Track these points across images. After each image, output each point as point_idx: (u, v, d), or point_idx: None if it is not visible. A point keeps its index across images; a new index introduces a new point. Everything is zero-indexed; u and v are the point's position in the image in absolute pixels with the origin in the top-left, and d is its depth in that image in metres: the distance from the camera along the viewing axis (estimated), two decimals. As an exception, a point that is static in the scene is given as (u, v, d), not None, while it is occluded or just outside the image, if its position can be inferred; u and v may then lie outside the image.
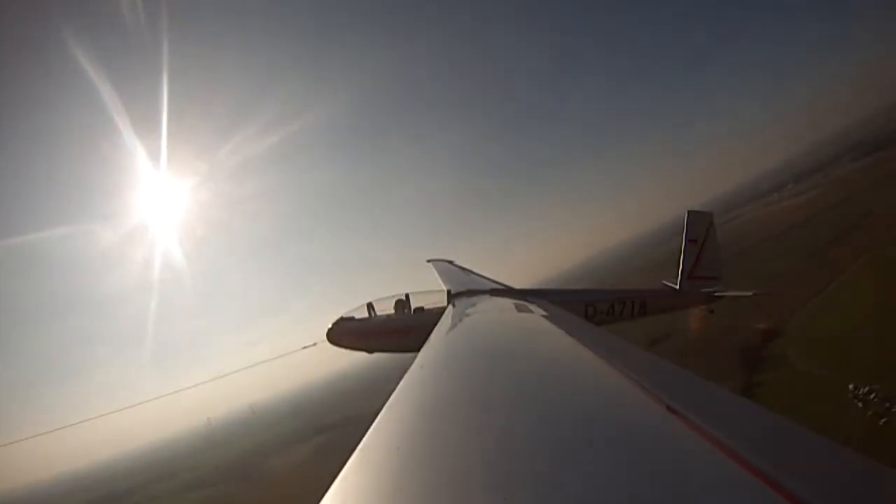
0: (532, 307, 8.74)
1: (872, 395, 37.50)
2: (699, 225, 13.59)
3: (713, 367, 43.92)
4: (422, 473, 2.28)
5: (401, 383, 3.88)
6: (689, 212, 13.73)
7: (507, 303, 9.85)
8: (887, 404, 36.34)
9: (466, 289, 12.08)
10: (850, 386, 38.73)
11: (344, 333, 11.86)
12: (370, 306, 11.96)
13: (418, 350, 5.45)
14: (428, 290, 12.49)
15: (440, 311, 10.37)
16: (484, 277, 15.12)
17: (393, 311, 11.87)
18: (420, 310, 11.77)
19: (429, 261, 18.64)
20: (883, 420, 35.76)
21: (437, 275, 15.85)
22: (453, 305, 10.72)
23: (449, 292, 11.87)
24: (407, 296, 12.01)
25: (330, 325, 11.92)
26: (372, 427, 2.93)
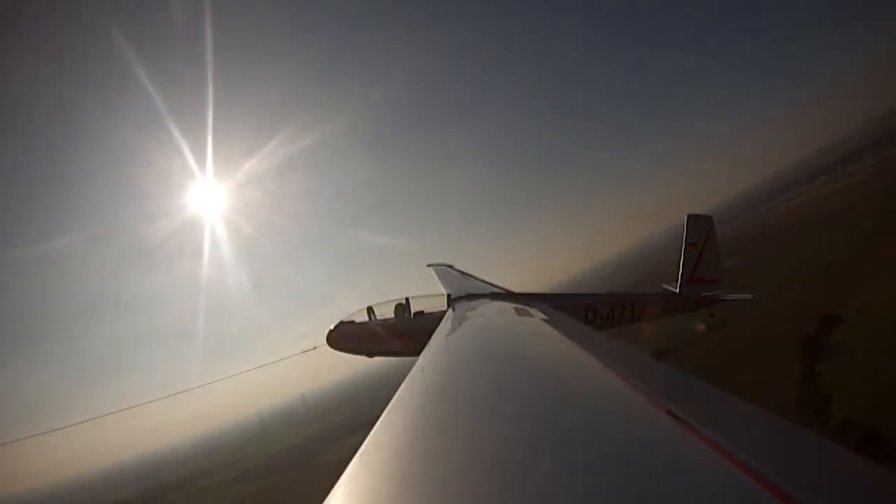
0: (532, 311, 8.74)
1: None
2: (699, 228, 13.59)
3: (770, 354, 42.46)
4: (423, 476, 2.28)
5: (401, 387, 3.88)
6: (688, 215, 13.73)
7: (507, 307, 9.85)
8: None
9: (466, 293, 12.07)
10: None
11: (344, 337, 11.85)
12: (370, 310, 11.95)
13: (418, 354, 5.45)
14: (428, 294, 12.49)
15: (440, 315, 10.36)
16: (484, 282, 15.12)
17: (393, 315, 11.85)
18: (420, 314, 11.75)
19: (429, 265, 18.64)
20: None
21: (437, 279, 15.85)
22: (453, 309, 10.71)
23: (449, 296, 11.87)
24: (407, 300, 12.01)
25: (330, 329, 11.91)
26: (373, 430, 2.93)
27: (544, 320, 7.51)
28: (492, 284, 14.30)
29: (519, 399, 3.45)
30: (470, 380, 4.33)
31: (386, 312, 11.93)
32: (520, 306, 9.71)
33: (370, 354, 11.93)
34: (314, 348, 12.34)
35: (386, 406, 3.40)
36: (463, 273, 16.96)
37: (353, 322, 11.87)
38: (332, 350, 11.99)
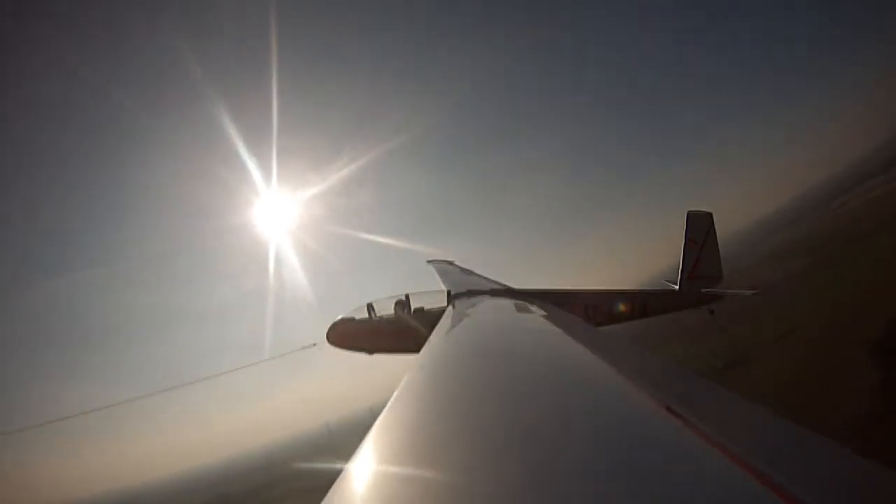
0: (532, 308, 8.75)
1: None
2: (699, 225, 13.58)
3: (842, 358, 40.50)
4: (423, 474, 2.28)
5: (401, 384, 3.88)
6: (689, 212, 13.72)
7: (507, 303, 9.85)
8: None
9: (466, 289, 12.07)
10: None
11: (344, 334, 11.87)
12: (370, 307, 11.95)
13: (418, 351, 5.45)
14: (428, 290, 12.49)
15: (440, 312, 10.36)
16: (484, 278, 15.12)
17: (393, 312, 11.86)
18: (420, 311, 11.75)
19: (429, 261, 18.64)
20: None
21: (436, 275, 15.85)
22: (453, 306, 10.72)
23: (449, 293, 11.87)
24: (407, 297, 12.00)
25: (330, 326, 11.92)
26: (373, 428, 2.93)
27: (544, 317, 7.51)
28: (492, 281, 14.29)
29: (519, 396, 3.45)
30: (470, 377, 4.33)
31: (386, 309, 11.93)
32: (520, 303, 9.71)
33: (370, 351, 11.95)
34: (314, 345, 12.36)
35: (386, 404, 3.40)
36: (463, 269, 16.95)
37: (353, 319, 11.88)
38: (332, 347, 12.02)
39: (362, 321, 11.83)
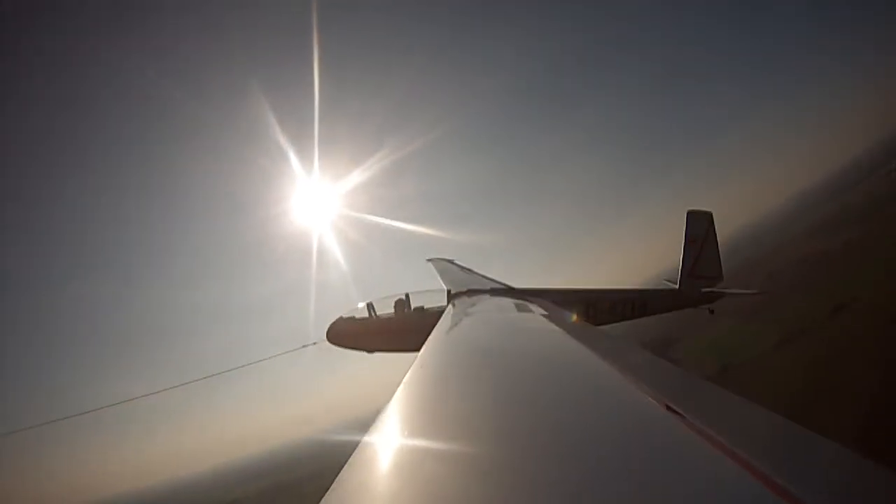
0: (532, 307, 8.75)
1: None
2: (699, 224, 13.57)
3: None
4: (422, 473, 2.28)
5: (401, 383, 3.88)
6: (689, 211, 13.71)
7: (508, 302, 9.86)
8: None
9: (466, 288, 12.08)
10: None
11: (344, 333, 11.88)
12: (370, 306, 11.97)
13: (418, 350, 5.45)
14: (428, 289, 12.50)
15: (440, 311, 10.37)
16: (484, 277, 15.12)
17: (393, 311, 11.87)
18: (420, 309, 11.76)
19: (429, 260, 18.64)
20: None
21: (436, 274, 15.86)
22: (453, 305, 10.73)
23: (449, 292, 11.87)
24: (407, 295, 12.01)
25: (329, 325, 11.93)
26: (372, 427, 2.93)
27: (544, 316, 7.51)
28: (492, 280, 14.30)
29: (518, 395, 3.45)
30: (470, 375, 4.33)
31: (386, 308, 11.94)
32: (520, 302, 9.71)
33: (370, 350, 11.96)
34: (314, 343, 12.37)
35: (386, 402, 3.41)
36: (463, 268, 16.95)
37: (352, 318, 11.89)
38: (332, 346, 12.03)
39: (362, 320, 11.85)
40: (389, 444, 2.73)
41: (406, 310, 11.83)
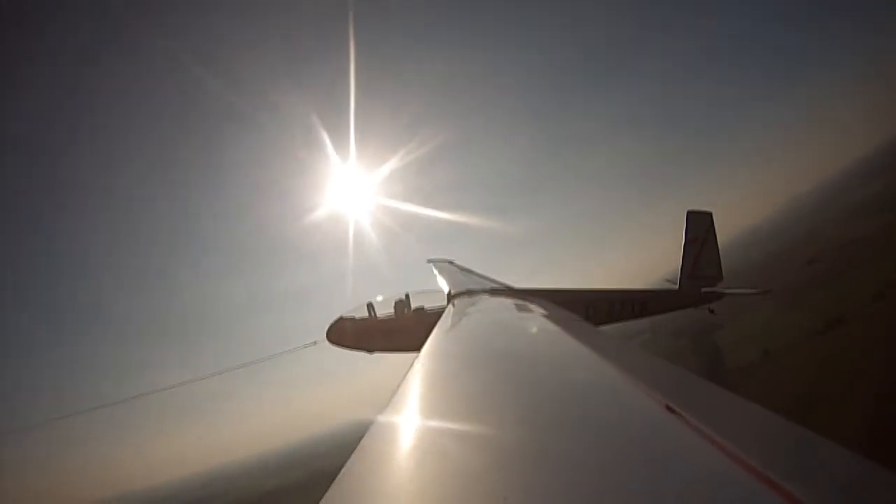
0: (532, 307, 8.74)
1: None
2: (699, 224, 13.58)
3: None
4: (421, 473, 2.28)
5: (401, 383, 3.88)
6: (688, 212, 13.72)
7: (507, 302, 9.85)
8: None
9: (466, 289, 12.07)
10: None
11: (344, 333, 11.88)
12: (370, 306, 11.97)
13: (418, 350, 5.45)
14: (428, 290, 12.50)
15: (440, 311, 10.37)
16: (484, 277, 15.13)
17: (393, 311, 11.87)
18: (420, 310, 11.77)
19: (429, 261, 18.66)
20: None
21: (436, 275, 15.86)
22: (453, 305, 10.72)
23: (449, 292, 11.88)
24: (407, 296, 12.02)
25: (329, 325, 11.94)
26: (372, 427, 2.94)
27: (544, 316, 7.51)
28: (492, 280, 14.30)
29: (518, 395, 3.45)
30: (469, 375, 4.33)
31: (386, 308, 11.95)
32: (520, 302, 9.71)
33: (370, 350, 11.96)
34: (314, 343, 12.38)
35: (385, 403, 3.41)
36: (462, 268, 16.97)
37: (352, 318, 11.90)
38: (332, 346, 12.04)
39: (362, 320, 11.85)
40: (389, 443, 2.73)
41: (406, 310, 11.83)
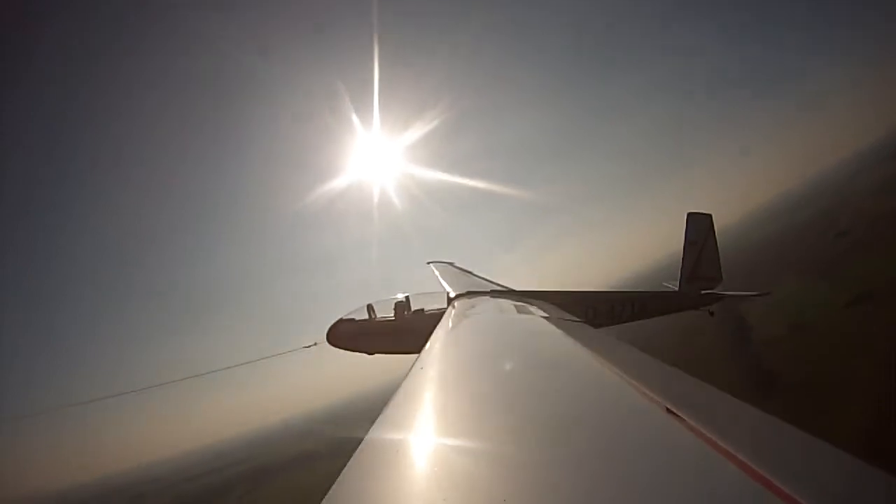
0: (532, 309, 8.74)
1: None
2: (699, 227, 13.60)
3: None
4: (422, 475, 2.29)
5: (401, 385, 3.89)
6: (688, 214, 13.74)
7: (507, 304, 9.85)
8: None
9: (466, 290, 12.06)
10: None
11: (344, 335, 11.88)
12: (370, 308, 11.97)
13: (419, 352, 5.45)
14: (428, 291, 12.51)
15: (440, 313, 10.36)
16: (484, 279, 15.13)
17: (393, 313, 11.87)
18: (420, 311, 11.77)
19: (429, 262, 18.67)
20: None
21: (437, 276, 15.87)
22: (453, 307, 10.71)
23: (449, 294, 11.88)
24: (407, 297, 12.02)
25: (329, 327, 11.93)
26: (372, 428, 2.94)
27: (544, 318, 7.51)
28: (492, 282, 14.31)
29: (519, 397, 3.46)
30: (470, 378, 4.34)
31: (386, 310, 11.95)
32: (520, 304, 9.71)
33: (370, 352, 11.96)
34: (315, 344, 12.37)
35: (385, 404, 3.41)
36: (463, 270, 16.98)
37: (353, 320, 11.89)
38: (333, 348, 12.03)
39: (362, 322, 11.84)
40: (389, 445, 2.74)
41: (406, 312, 11.83)
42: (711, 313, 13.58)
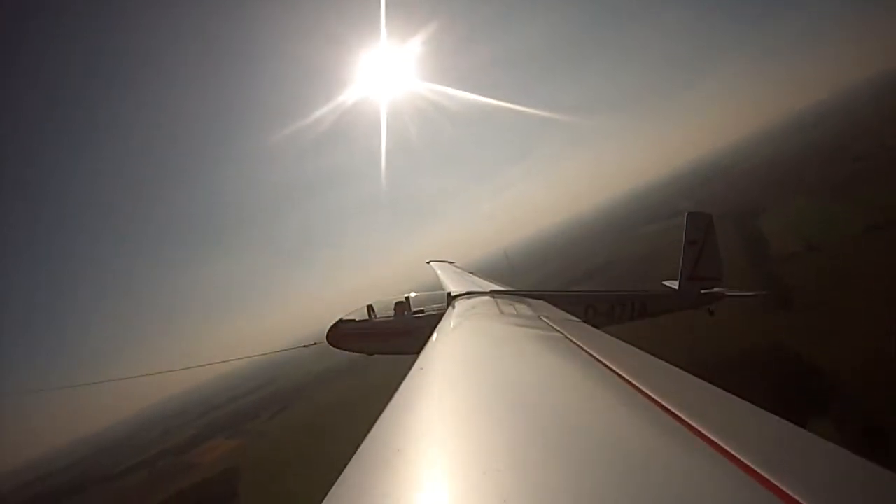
0: (532, 309, 8.75)
1: None
2: (698, 226, 13.59)
3: None
4: (421, 475, 2.29)
5: (401, 385, 3.89)
6: (688, 213, 13.74)
7: (507, 304, 9.85)
8: None
9: (466, 290, 12.07)
10: None
11: (344, 335, 11.86)
12: (370, 308, 11.96)
13: (418, 352, 5.46)
14: (428, 291, 12.50)
15: (440, 313, 10.36)
16: (484, 279, 15.14)
17: (393, 313, 11.86)
18: (420, 312, 11.76)
19: (429, 262, 18.68)
20: None
21: (437, 276, 15.87)
22: (453, 307, 10.71)
23: (449, 294, 11.88)
24: (407, 298, 12.01)
25: (329, 327, 11.92)
26: (372, 429, 2.94)
27: (545, 318, 7.52)
28: (492, 282, 14.31)
29: (518, 398, 3.46)
30: (470, 378, 4.34)
31: (386, 310, 11.93)
32: (520, 304, 9.72)
33: (370, 353, 11.94)
34: (314, 344, 12.37)
35: (386, 405, 3.42)
36: (463, 270, 16.98)
37: (352, 320, 11.88)
38: (332, 348, 12.03)
39: (362, 322, 11.83)
40: (389, 445, 2.74)
41: (406, 312, 11.82)
42: (711, 313, 13.58)
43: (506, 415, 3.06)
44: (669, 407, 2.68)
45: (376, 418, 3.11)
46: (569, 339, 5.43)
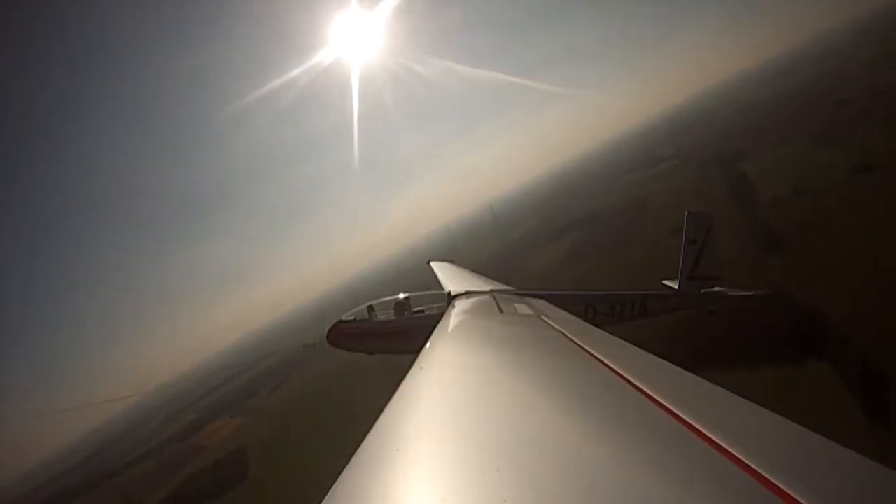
0: (532, 308, 8.75)
1: None
2: (698, 226, 13.60)
3: None
4: (421, 475, 2.29)
5: (401, 385, 3.88)
6: (688, 213, 13.74)
7: (507, 304, 9.84)
8: None
9: (466, 290, 12.07)
10: None
11: (344, 335, 11.87)
12: (370, 308, 11.97)
13: (418, 352, 5.45)
14: (428, 291, 12.51)
15: (440, 313, 10.36)
16: (484, 279, 15.14)
17: (393, 313, 11.87)
18: (420, 311, 11.76)
19: (429, 262, 18.68)
20: None
21: (437, 276, 15.87)
22: (453, 307, 10.71)
23: (449, 294, 11.88)
24: (407, 297, 12.02)
25: (329, 328, 11.93)
26: (372, 428, 2.94)
27: (545, 318, 7.52)
28: (492, 281, 14.32)
29: (518, 397, 3.46)
30: (469, 378, 4.33)
31: (386, 310, 11.94)
32: (520, 304, 9.71)
33: (370, 352, 11.95)
34: (314, 344, 12.38)
35: (385, 404, 3.41)
36: (463, 270, 16.98)
37: (352, 320, 11.89)
38: (332, 348, 12.04)
39: (362, 322, 11.83)
40: (389, 445, 2.73)
41: (406, 312, 11.82)
42: (712, 312, 13.58)
43: (505, 414, 3.06)
44: (670, 406, 2.68)
45: (376, 418, 3.10)
46: (569, 338, 5.42)
